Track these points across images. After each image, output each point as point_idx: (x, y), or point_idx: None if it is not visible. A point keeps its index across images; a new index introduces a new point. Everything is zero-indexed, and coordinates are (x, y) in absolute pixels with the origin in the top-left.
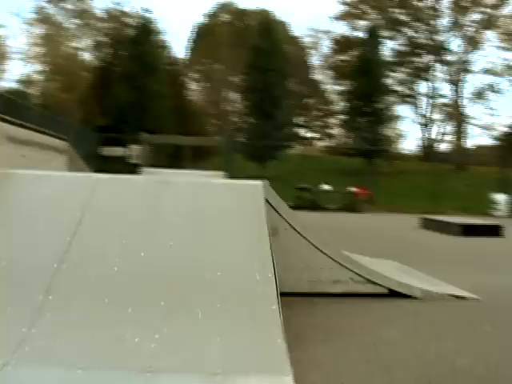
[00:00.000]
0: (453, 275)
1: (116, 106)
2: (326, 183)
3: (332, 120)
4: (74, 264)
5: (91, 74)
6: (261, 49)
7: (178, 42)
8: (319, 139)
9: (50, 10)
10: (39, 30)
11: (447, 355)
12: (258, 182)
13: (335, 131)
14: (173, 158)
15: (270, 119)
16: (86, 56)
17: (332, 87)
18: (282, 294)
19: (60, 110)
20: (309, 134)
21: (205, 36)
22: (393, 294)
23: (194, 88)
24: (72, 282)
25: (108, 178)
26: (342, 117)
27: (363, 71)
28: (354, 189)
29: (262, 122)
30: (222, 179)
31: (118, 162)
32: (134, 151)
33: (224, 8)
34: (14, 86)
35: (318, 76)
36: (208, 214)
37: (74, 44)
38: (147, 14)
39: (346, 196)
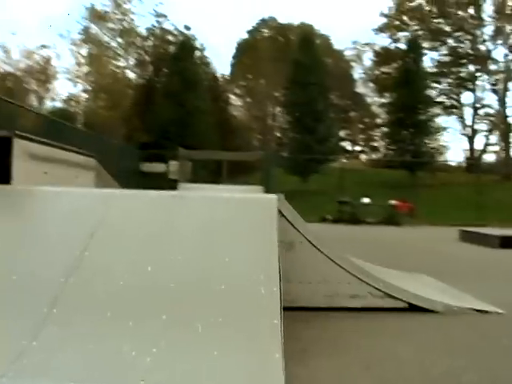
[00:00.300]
0: (483, 289)
1: (158, 123)
2: (366, 196)
3: (375, 133)
4: (82, 278)
5: (134, 91)
6: (301, 63)
7: (220, 58)
8: (363, 152)
9: (95, 30)
10: (85, 50)
11: (455, 371)
12: (273, 196)
13: (378, 144)
14: (213, 174)
15: (312, 133)
16: (130, 74)
17: (375, 100)
18: (299, 309)
19: (104, 127)
20: (352, 148)
21: (247, 51)
22: (413, 308)
23: (237, 103)
24: (77, 295)
25: (123, 194)
26: (385, 129)
27: (404, 83)
28: (394, 202)
29: (304, 136)
30: (243, 193)
31: (158, 178)
32: (173, 167)
33: (266, 23)
34: (59, 105)
35: (361, 89)
36: (219, 228)
37: (118, 63)
38: (187, 32)
39: (386, 209)
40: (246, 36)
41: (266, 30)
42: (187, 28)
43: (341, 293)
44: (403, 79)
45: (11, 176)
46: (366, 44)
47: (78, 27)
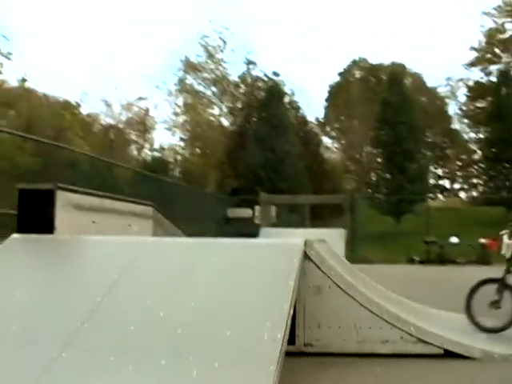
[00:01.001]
0: None
1: (249, 168)
2: (457, 236)
3: (471, 169)
4: (96, 323)
5: (227, 138)
6: (390, 102)
7: (313, 102)
8: (462, 189)
9: (190, 80)
10: (181, 100)
11: None
12: (299, 241)
13: (475, 181)
14: (300, 217)
15: (403, 173)
16: (224, 122)
17: (470, 135)
18: (329, 354)
19: (198, 175)
20: (451, 185)
21: (339, 93)
22: (448, 354)
23: (331, 145)
24: (88, 340)
25: (153, 241)
26: (482, 165)
27: (498, 116)
28: (484, 240)
29: (395, 175)
30: (287, 239)
31: (243, 224)
32: (257, 212)
33: (357, 64)
34: (158, 154)
35: (456, 125)
36: (236, 274)
37: (212, 111)
38: (276, 77)
39: (476, 248)
40: (337, 78)
41: (357, 72)
42: (276, 74)
43: (371, 338)
44: (496, 113)
45: (54, 226)
46: (460, 80)
47: (174, 78)
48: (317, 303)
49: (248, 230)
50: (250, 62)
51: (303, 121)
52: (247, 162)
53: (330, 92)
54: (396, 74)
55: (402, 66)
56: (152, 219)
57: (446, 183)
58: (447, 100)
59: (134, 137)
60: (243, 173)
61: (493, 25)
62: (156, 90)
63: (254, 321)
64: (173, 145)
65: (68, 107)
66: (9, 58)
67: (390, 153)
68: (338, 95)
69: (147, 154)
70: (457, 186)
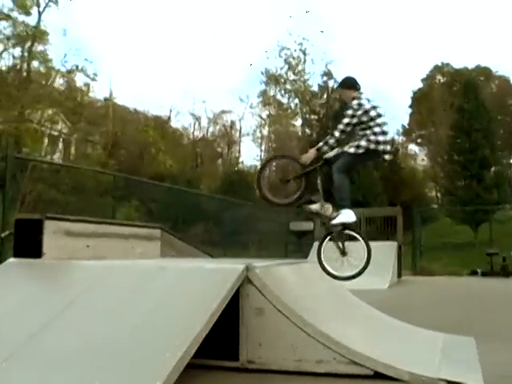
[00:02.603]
0: None
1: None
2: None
3: None
4: (41, 339)
5: (304, 150)
6: (465, 110)
7: (397, 108)
8: None
9: (273, 91)
10: (263, 112)
11: None
12: (239, 266)
13: None
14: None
15: (480, 181)
16: (305, 132)
17: None
18: (270, 371)
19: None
20: None
21: (422, 100)
22: (378, 375)
23: (418, 152)
24: (28, 353)
25: (116, 264)
26: None
27: None
28: None
29: (472, 184)
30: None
31: (304, 237)
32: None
33: (439, 70)
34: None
35: None
36: (166, 298)
37: (294, 122)
38: None
39: None
40: (420, 84)
41: (440, 77)
42: None
43: (308, 358)
44: None
45: (42, 252)
46: None
47: (256, 91)
48: (258, 324)
49: (308, 242)
50: (325, 74)
51: None
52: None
53: (413, 98)
54: (471, 81)
55: (488, 70)
56: (160, 241)
57: None
58: None
59: (219, 149)
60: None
61: None
62: (240, 102)
63: (162, 339)
64: (256, 157)
65: (158, 122)
66: (95, 80)
67: (466, 161)
68: (421, 102)
69: (232, 166)
70: None
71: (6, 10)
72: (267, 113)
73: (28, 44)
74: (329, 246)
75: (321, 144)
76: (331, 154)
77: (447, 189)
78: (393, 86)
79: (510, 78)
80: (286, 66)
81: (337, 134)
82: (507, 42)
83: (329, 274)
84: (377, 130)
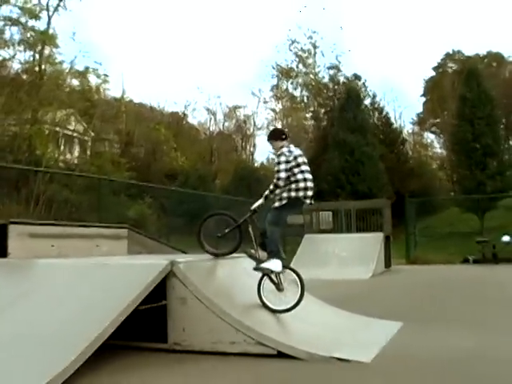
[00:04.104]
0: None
1: (330, 172)
2: (506, 234)
3: None
4: None
5: (311, 143)
6: (467, 98)
7: (410, 97)
8: None
9: (285, 85)
10: (276, 106)
11: None
12: (163, 262)
13: None
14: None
15: (484, 169)
16: (312, 126)
17: None
18: (192, 352)
19: None
20: None
21: (435, 88)
22: (281, 354)
23: (434, 141)
24: None
25: (50, 263)
26: None
27: None
28: None
29: (475, 172)
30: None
31: (298, 230)
32: (319, 218)
33: (451, 57)
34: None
35: None
36: (93, 291)
37: (306, 115)
38: (358, 80)
39: None
40: (432, 73)
41: (452, 64)
42: (357, 77)
43: (223, 340)
44: None
45: (8, 252)
46: None
47: (268, 85)
48: (182, 312)
49: (300, 234)
50: (332, 67)
51: (387, 122)
52: (328, 165)
53: (425, 87)
54: (473, 69)
55: (500, 55)
56: (128, 239)
57: None
58: None
59: (235, 144)
60: (324, 177)
61: None
62: (253, 97)
63: (86, 325)
64: (269, 152)
65: (174, 118)
66: (107, 81)
67: (469, 149)
68: (433, 90)
69: (243, 161)
70: None
71: (15, 16)
72: (280, 106)
73: (39, 47)
74: (269, 284)
75: (267, 193)
76: (255, 205)
77: (452, 178)
78: (405, 74)
79: None
80: (297, 60)
81: (280, 182)
82: None
83: (267, 308)
84: (299, 176)
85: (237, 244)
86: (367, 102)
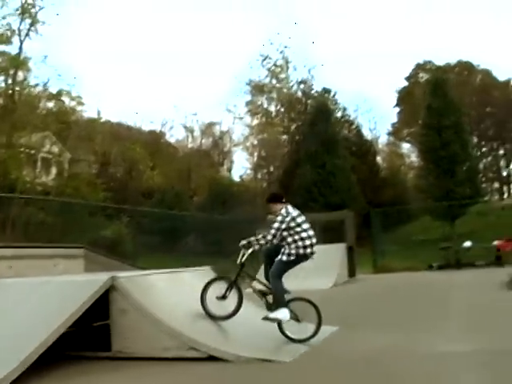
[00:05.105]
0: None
1: (302, 186)
2: (469, 240)
3: None
4: None
5: (285, 156)
6: (433, 107)
7: (385, 108)
8: None
9: (259, 101)
10: (250, 121)
11: None
12: (104, 278)
13: None
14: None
15: (452, 177)
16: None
17: None
18: (134, 359)
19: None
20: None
21: (407, 98)
22: (212, 358)
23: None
24: None
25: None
26: None
27: None
28: (496, 242)
29: (444, 180)
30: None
31: None
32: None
33: (422, 67)
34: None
35: None
36: (42, 305)
37: (279, 129)
38: (326, 94)
39: (489, 251)
40: (405, 83)
41: (423, 74)
42: (327, 91)
43: (159, 346)
44: None
45: None
46: None
47: (243, 101)
48: (124, 322)
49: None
50: (303, 81)
51: (358, 133)
52: (301, 179)
53: (398, 98)
54: (438, 79)
55: (470, 64)
56: (84, 258)
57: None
58: None
59: (213, 160)
60: (298, 190)
61: None
62: (228, 113)
63: (32, 334)
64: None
65: (152, 137)
66: (81, 103)
67: (437, 158)
68: (406, 100)
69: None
70: None
71: None
72: (256, 122)
73: (11, 72)
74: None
75: (255, 245)
76: (242, 258)
77: (421, 186)
78: (380, 85)
79: (491, 70)
80: (270, 75)
81: (269, 237)
82: (487, 36)
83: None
84: (304, 235)
85: (238, 303)
86: (339, 114)
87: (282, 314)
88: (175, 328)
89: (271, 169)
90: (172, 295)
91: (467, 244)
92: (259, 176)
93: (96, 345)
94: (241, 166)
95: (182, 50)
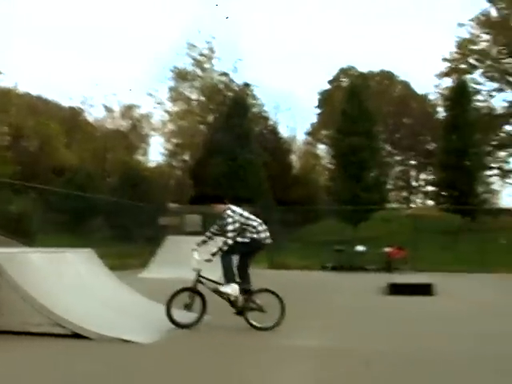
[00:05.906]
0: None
1: (212, 177)
2: (361, 244)
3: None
4: None
5: (201, 147)
6: (348, 113)
7: (307, 108)
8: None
9: (180, 88)
10: (171, 108)
11: None
12: None
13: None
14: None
15: (359, 182)
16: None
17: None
18: (10, 332)
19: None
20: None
21: (328, 101)
22: (77, 335)
23: (319, 154)
24: None
25: None
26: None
27: (452, 127)
28: (387, 249)
29: (351, 185)
30: None
31: (172, 230)
32: (186, 220)
33: (345, 72)
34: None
35: None
36: None
37: (200, 119)
38: (245, 88)
39: (381, 256)
40: (328, 86)
41: (345, 79)
42: (247, 85)
43: (29, 322)
44: (450, 124)
45: None
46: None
47: (165, 86)
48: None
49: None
50: (225, 73)
51: (273, 130)
52: (212, 170)
53: (319, 99)
54: (353, 86)
55: (391, 74)
56: None
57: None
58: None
59: (128, 143)
60: (206, 181)
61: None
62: (149, 98)
63: None
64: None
65: (71, 113)
66: None
67: (347, 162)
68: (327, 103)
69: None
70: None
71: None
72: (176, 109)
73: None
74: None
75: (214, 250)
76: (197, 266)
77: (329, 188)
78: (304, 86)
79: (410, 82)
80: (195, 64)
81: (230, 241)
82: (410, 49)
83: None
84: (255, 223)
85: (201, 311)
86: (256, 110)
87: (231, 288)
88: (45, 305)
89: (186, 157)
90: (51, 274)
91: (360, 248)
92: (174, 163)
93: None
94: (157, 152)
95: (107, 27)
